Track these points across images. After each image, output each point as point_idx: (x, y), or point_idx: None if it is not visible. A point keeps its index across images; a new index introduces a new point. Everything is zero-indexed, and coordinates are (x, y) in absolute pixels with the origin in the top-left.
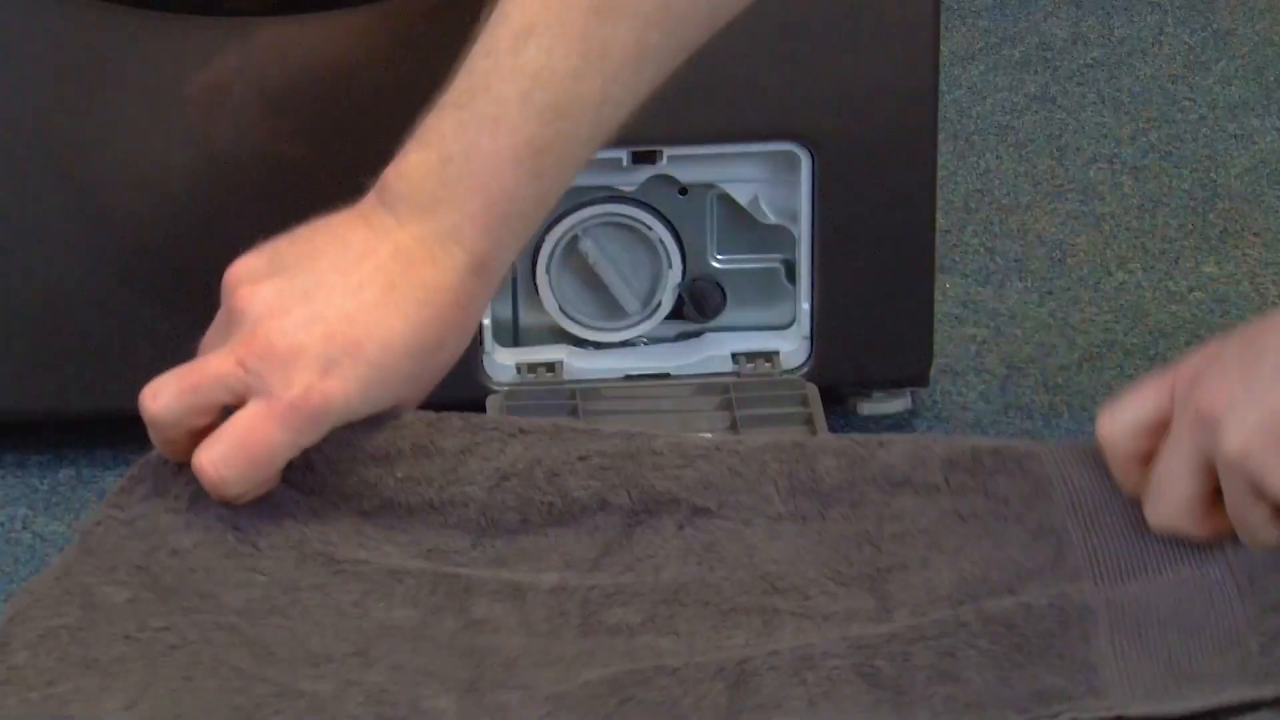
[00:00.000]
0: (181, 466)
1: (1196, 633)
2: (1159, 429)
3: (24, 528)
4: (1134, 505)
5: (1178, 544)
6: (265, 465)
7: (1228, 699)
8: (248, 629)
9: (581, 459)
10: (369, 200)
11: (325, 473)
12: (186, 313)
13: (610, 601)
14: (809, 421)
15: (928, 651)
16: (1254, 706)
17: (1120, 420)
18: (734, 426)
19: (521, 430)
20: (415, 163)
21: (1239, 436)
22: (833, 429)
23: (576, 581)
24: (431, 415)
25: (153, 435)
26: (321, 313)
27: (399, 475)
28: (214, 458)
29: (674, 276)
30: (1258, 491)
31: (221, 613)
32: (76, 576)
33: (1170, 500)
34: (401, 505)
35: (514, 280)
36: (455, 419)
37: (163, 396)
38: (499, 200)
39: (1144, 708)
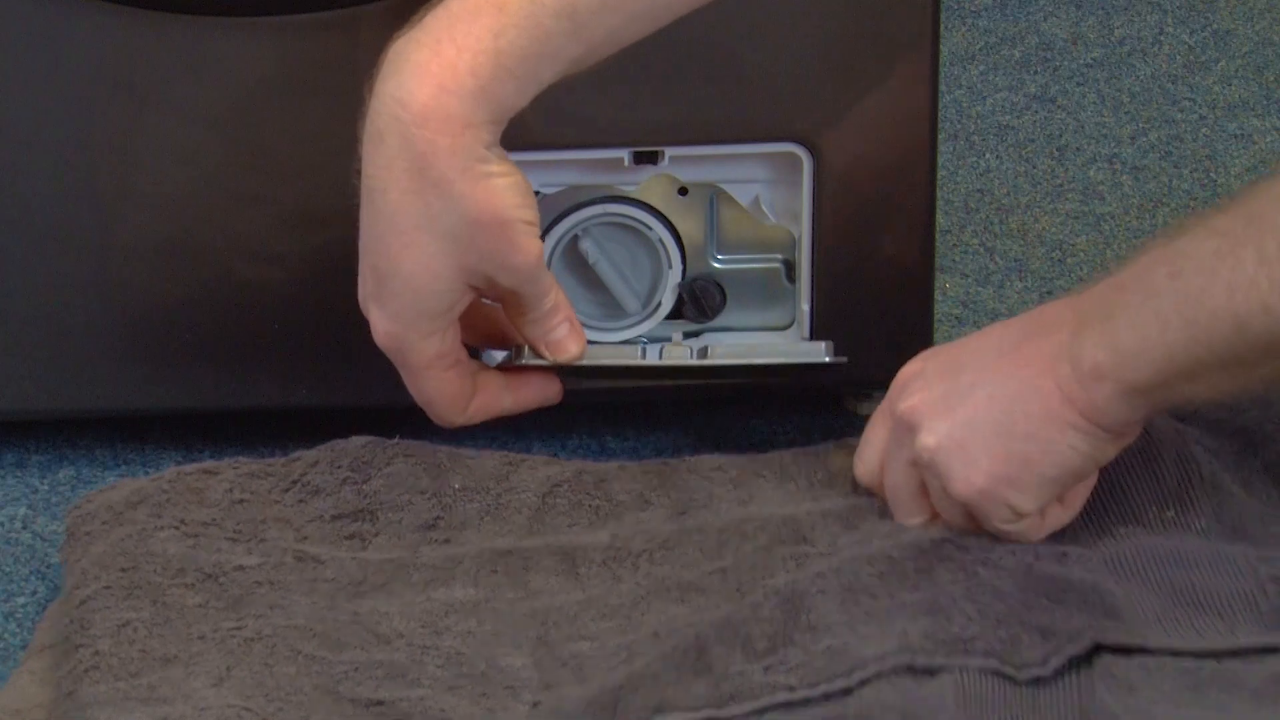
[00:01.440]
0: (237, 497)
1: (1196, 564)
2: None
3: (24, 528)
4: (1110, 487)
5: (1157, 502)
6: None
7: (1245, 642)
8: (317, 626)
9: (621, 468)
10: None
11: (380, 488)
12: (187, 311)
13: (657, 559)
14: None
15: (953, 568)
16: (1271, 650)
17: (866, 462)
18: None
19: (555, 458)
20: (400, 34)
21: (930, 440)
22: (832, 428)
23: (623, 544)
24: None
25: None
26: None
27: (456, 486)
28: None
29: (674, 276)
30: (947, 490)
31: (290, 617)
32: (145, 573)
33: (900, 497)
34: (457, 514)
35: None
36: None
37: None
38: (448, 48)
39: (1163, 639)
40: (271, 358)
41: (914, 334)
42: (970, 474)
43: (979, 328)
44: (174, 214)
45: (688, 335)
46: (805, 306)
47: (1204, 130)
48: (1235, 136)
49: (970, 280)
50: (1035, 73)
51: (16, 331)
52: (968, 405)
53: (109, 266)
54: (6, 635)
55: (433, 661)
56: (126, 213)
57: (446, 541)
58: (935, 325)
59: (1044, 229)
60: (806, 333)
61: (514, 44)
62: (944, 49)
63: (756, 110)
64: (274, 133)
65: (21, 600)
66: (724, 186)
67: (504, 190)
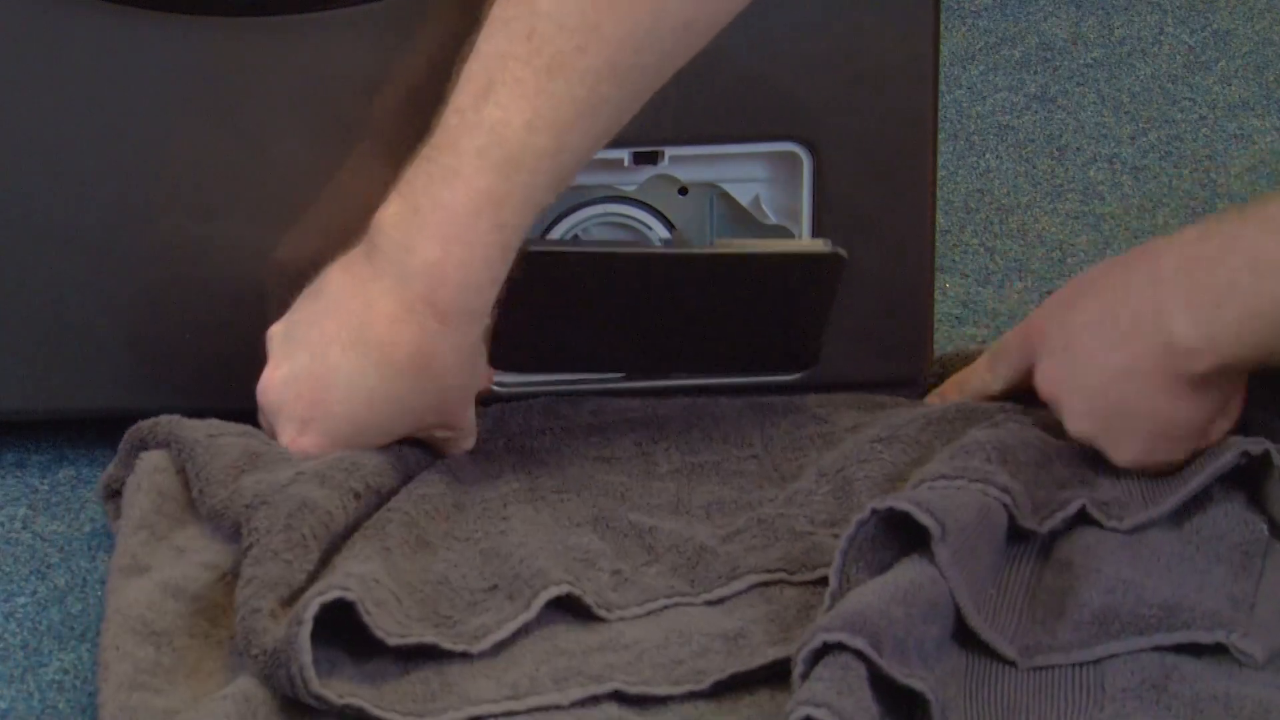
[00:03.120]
0: None
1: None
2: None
3: (24, 528)
4: None
5: None
6: None
7: (1187, 491)
8: (412, 516)
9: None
10: (360, 247)
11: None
12: (188, 312)
13: (682, 446)
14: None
15: (983, 425)
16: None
17: (1001, 373)
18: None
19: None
20: (391, 212)
21: (1074, 425)
22: None
23: (649, 438)
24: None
25: None
26: (297, 371)
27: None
28: None
29: None
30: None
31: (389, 538)
32: (307, 525)
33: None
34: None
35: None
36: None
37: None
38: (457, 249)
39: (1140, 514)
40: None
41: (914, 334)
42: (1121, 453)
43: (979, 328)
44: (174, 214)
45: None
46: None
47: (1204, 130)
48: (1235, 136)
49: (970, 280)
50: (1035, 73)
51: (16, 331)
52: (1093, 389)
53: (108, 266)
54: (6, 635)
55: (517, 552)
56: (127, 212)
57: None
58: (935, 325)
59: (1044, 229)
60: None
61: (516, 227)
62: (944, 49)
63: (756, 110)
64: (275, 133)
65: (21, 600)
66: (724, 186)
67: (479, 383)
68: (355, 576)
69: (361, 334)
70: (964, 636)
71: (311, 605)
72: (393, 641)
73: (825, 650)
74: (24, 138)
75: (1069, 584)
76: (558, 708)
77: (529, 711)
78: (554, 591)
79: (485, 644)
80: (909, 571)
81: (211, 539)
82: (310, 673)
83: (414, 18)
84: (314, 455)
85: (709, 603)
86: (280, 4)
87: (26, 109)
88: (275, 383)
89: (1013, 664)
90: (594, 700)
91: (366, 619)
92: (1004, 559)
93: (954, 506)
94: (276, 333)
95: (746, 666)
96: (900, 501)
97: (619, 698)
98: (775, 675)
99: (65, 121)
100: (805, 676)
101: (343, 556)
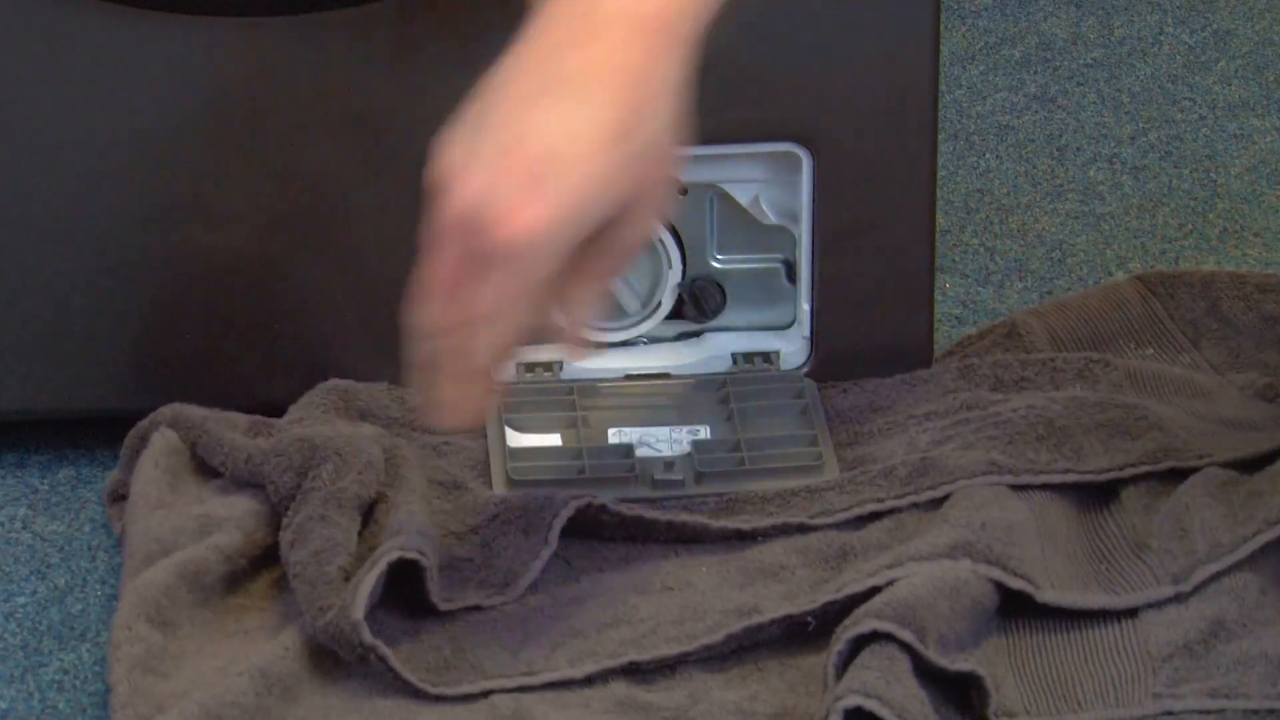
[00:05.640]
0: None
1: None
2: None
3: (24, 528)
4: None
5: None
6: None
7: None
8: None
9: None
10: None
11: None
12: (186, 311)
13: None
14: (805, 413)
15: (1032, 432)
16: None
17: None
18: (732, 419)
19: None
20: None
21: None
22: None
23: None
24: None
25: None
26: (499, 148)
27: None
28: None
29: (674, 276)
30: None
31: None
32: (364, 444)
33: None
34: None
35: None
36: None
37: None
38: None
39: (1225, 454)
40: (271, 359)
41: (914, 334)
42: None
43: (979, 328)
44: (174, 214)
45: (688, 335)
46: (805, 306)
47: (1204, 130)
48: (1235, 136)
49: (970, 280)
50: (1035, 73)
51: (16, 331)
52: None
53: (108, 267)
54: (6, 635)
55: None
56: (126, 213)
57: None
58: (935, 325)
59: (1044, 229)
60: (807, 332)
61: None
62: (944, 49)
63: (756, 110)
64: (275, 133)
65: (21, 600)
66: (724, 186)
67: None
68: (428, 538)
69: (556, 74)
70: (1003, 614)
71: (391, 554)
72: (444, 606)
73: (871, 637)
74: (24, 138)
75: (1175, 517)
76: (569, 683)
77: (541, 688)
78: (568, 512)
79: (518, 590)
80: (956, 568)
81: (229, 509)
82: (362, 601)
83: (415, 18)
84: (536, 236)
85: (726, 534)
86: (280, 4)
87: (26, 109)
88: (476, 178)
89: (1172, 600)
90: (604, 678)
91: (430, 584)
92: (1082, 528)
93: (1016, 542)
94: (456, 150)
95: (758, 622)
96: (1001, 571)
97: (629, 672)
98: (784, 650)
99: (65, 122)
100: (844, 658)
101: (382, 509)
